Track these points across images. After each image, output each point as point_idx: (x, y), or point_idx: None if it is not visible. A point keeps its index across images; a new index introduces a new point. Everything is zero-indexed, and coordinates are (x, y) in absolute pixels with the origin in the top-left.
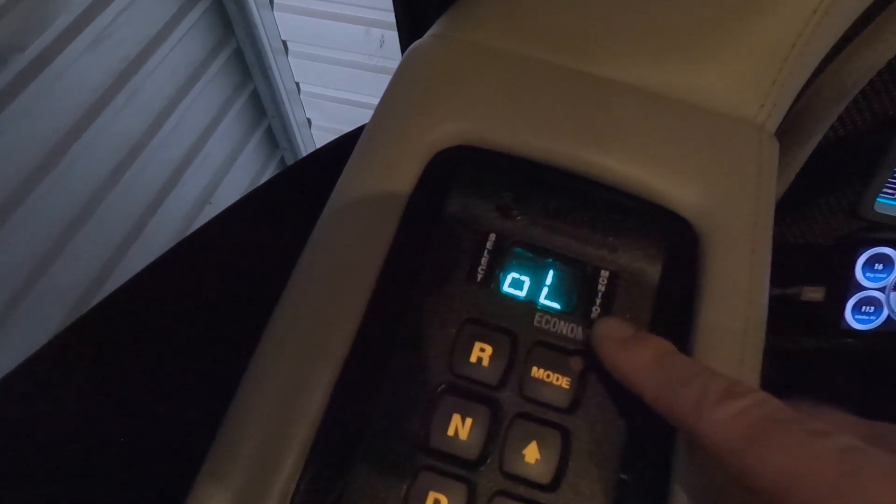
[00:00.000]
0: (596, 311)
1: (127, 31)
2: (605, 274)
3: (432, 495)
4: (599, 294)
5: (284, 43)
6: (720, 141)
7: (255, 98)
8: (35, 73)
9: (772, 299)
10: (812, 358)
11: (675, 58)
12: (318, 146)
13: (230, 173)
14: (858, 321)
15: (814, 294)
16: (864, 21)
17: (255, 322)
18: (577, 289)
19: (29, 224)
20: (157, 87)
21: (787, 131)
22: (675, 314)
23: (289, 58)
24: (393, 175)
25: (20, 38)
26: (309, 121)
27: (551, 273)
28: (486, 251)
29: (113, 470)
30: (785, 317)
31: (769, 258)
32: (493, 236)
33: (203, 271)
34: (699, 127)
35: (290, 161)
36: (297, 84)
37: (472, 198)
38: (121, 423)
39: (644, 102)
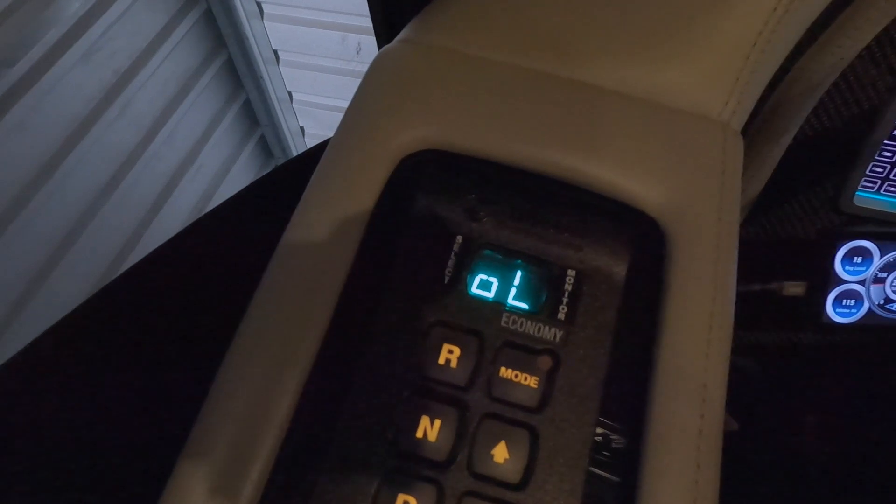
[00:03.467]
0: (563, 310)
1: (118, 43)
2: (571, 273)
3: (401, 497)
4: (566, 293)
5: (275, 52)
6: (684, 138)
7: (248, 108)
8: (27, 87)
9: (753, 295)
10: (794, 353)
11: (638, 57)
12: None
13: (224, 183)
14: (840, 315)
15: (794, 289)
16: (830, 16)
17: (231, 327)
18: (545, 289)
19: (24, 237)
20: (149, 99)
21: (760, 128)
22: (641, 312)
23: (280, 67)
24: (359, 180)
25: (10, 53)
26: (302, 129)
27: (519, 274)
28: (452, 253)
29: (96, 475)
30: (766, 312)
31: (735, 254)
32: (459, 238)
33: (184, 274)
34: (663, 125)
35: None
36: (290, 93)
37: (438, 201)
38: (97, 427)
39: (607, 102)
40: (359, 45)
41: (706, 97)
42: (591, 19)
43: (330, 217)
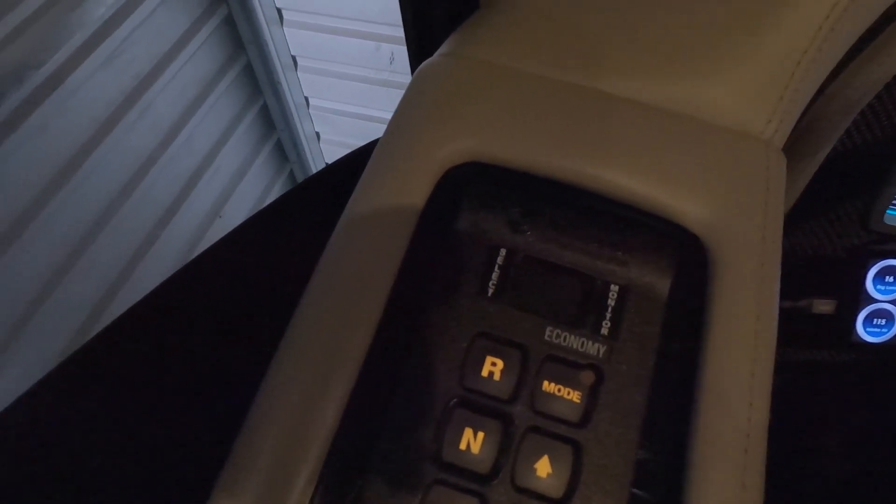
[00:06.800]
0: (606, 325)
1: (139, 48)
2: (614, 288)
3: None
4: (609, 308)
5: (294, 58)
6: (728, 156)
7: (265, 112)
8: (50, 90)
9: (782, 312)
10: (823, 371)
11: (682, 74)
12: (327, 159)
13: (240, 187)
14: (870, 334)
15: (824, 307)
16: (870, 35)
17: (270, 338)
18: (588, 304)
19: (43, 238)
20: (169, 103)
21: (795, 145)
22: (685, 329)
23: (298, 73)
24: (405, 191)
25: (36, 56)
26: (318, 134)
27: (562, 288)
28: (497, 266)
29: (129, 488)
30: (795, 330)
31: (778, 273)
32: (503, 251)
33: (217, 288)
34: (706, 142)
35: (298, 175)
36: (307, 98)
37: (482, 213)
38: (135, 440)
39: (651, 118)
40: (392, 55)
41: (750, 115)
42: (635, 35)
43: (375, 228)
